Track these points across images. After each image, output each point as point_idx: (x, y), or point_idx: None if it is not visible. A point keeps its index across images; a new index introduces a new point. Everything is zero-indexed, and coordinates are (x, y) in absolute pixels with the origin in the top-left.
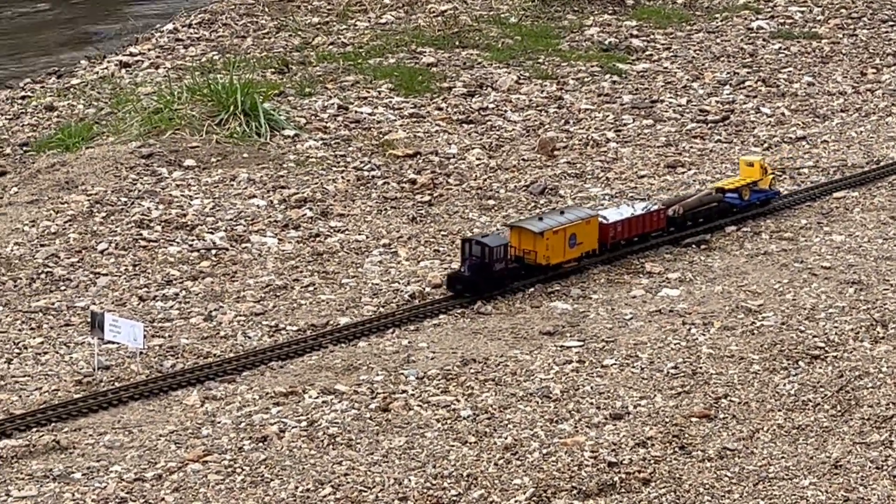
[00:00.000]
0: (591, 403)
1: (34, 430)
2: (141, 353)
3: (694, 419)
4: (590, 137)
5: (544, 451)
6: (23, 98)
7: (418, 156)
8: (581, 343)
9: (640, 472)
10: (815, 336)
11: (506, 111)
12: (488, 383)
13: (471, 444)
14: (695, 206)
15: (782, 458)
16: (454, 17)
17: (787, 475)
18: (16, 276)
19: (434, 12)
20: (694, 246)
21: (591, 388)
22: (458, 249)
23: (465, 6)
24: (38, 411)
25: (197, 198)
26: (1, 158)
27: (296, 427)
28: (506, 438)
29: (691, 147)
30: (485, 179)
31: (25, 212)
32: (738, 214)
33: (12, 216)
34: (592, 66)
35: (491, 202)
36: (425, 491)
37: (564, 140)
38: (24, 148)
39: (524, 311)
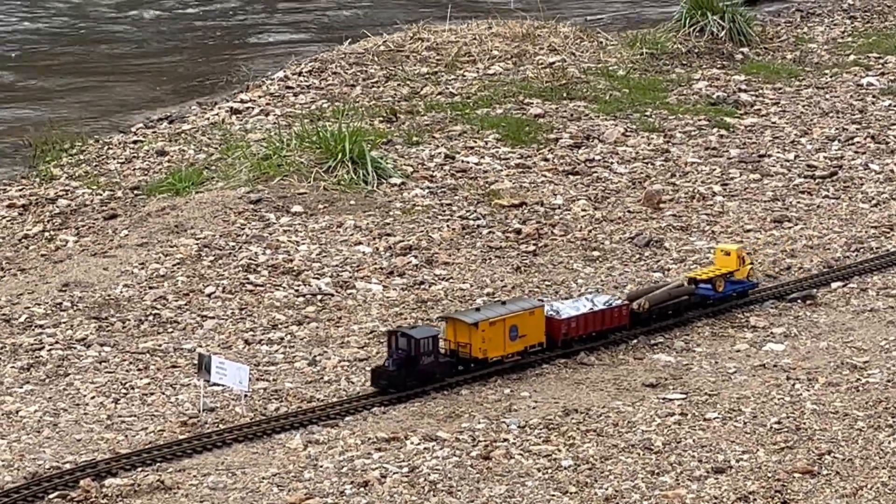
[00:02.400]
0: (693, 456)
1: (139, 469)
2: (246, 395)
3: (797, 475)
4: (696, 191)
5: (645, 503)
6: (135, 142)
7: (524, 206)
8: (684, 396)
9: None
10: None
11: (612, 163)
12: (590, 434)
13: (571, 494)
14: (662, 299)
15: None
16: (562, 69)
17: None
18: (124, 318)
19: (542, 64)
20: (799, 301)
21: (694, 441)
22: (389, 341)
23: (573, 58)
24: (144, 451)
25: (304, 244)
26: (113, 202)
27: (397, 473)
28: (606, 489)
29: (798, 202)
30: (590, 231)
31: (135, 254)
32: (712, 308)
33: (122, 258)
34: (700, 120)
35: (595, 253)
36: None
37: (670, 193)
38: (136, 191)
39: (627, 362)
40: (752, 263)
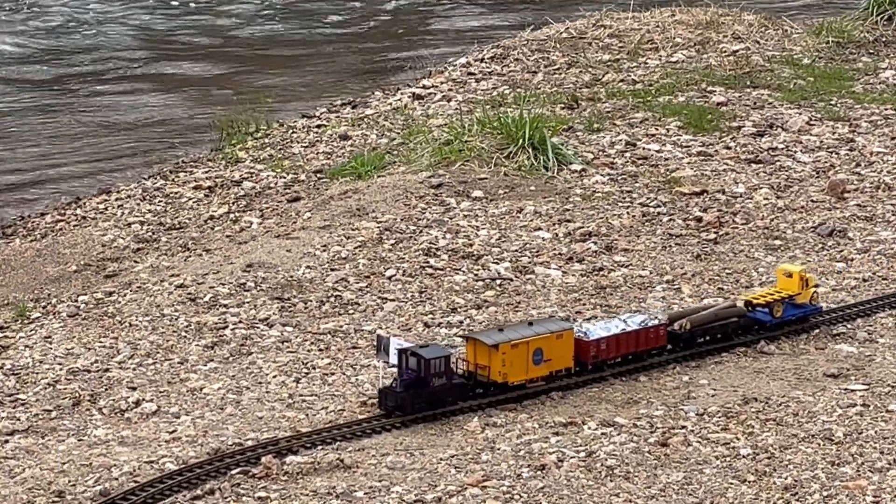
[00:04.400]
0: (875, 448)
1: (319, 448)
2: None
3: None
4: (881, 181)
5: (825, 494)
6: (318, 127)
7: (705, 194)
8: (866, 387)
9: None
10: None
11: (795, 152)
12: (769, 423)
13: (749, 482)
14: (707, 321)
15: None
16: (746, 56)
17: None
18: (307, 299)
19: (726, 52)
20: None
21: (875, 432)
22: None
23: (757, 46)
24: (324, 430)
25: (483, 228)
26: (296, 184)
27: (574, 457)
28: (785, 479)
29: None
30: (772, 219)
31: (317, 236)
32: (767, 333)
33: (305, 240)
34: (886, 109)
35: (777, 242)
36: None
37: (855, 182)
38: (318, 175)
39: (808, 352)
40: (816, 286)
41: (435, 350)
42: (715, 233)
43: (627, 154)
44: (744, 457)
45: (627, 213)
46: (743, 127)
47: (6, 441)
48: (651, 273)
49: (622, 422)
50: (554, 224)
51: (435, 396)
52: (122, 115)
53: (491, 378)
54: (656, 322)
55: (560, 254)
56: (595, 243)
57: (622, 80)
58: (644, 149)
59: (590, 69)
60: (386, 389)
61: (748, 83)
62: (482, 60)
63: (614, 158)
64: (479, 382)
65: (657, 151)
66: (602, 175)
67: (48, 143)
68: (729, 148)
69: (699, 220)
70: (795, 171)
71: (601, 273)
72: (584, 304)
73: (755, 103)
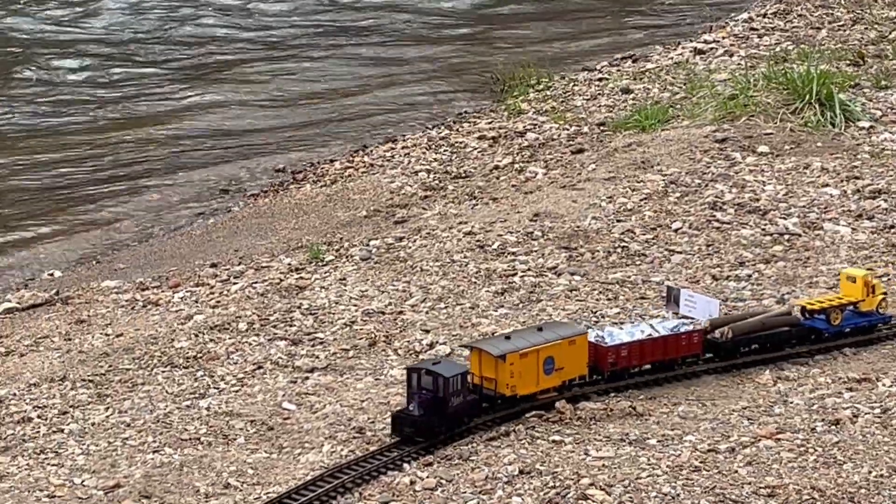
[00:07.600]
0: None
1: (612, 395)
2: None
3: None
4: None
5: None
6: (600, 80)
7: None
8: None
9: None
10: None
11: None
12: None
13: None
14: (752, 329)
15: None
16: None
17: None
18: (594, 249)
19: None
20: None
21: None
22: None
23: None
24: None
25: (770, 183)
26: (579, 136)
27: (869, 413)
28: None
29: None
30: None
31: (602, 188)
32: (822, 343)
33: (590, 191)
34: None
35: None
36: None
37: None
38: (601, 127)
39: None
40: (885, 293)
41: (452, 367)
42: None
43: None
44: None
45: None
46: None
47: (307, 378)
48: None
49: None
50: (842, 181)
51: (454, 417)
52: (402, 68)
53: (498, 391)
54: (690, 328)
55: (849, 210)
56: (885, 201)
57: None
58: None
59: (876, 26)
60: (401, 414)
61: None
62: (765, 16)
63: None
64: (485, 396)
65: None
66: (891, 132)
67: (334, 95)
68: None
69: None
70: None
71: (892, 231)
72: (876, 262)
73: None
